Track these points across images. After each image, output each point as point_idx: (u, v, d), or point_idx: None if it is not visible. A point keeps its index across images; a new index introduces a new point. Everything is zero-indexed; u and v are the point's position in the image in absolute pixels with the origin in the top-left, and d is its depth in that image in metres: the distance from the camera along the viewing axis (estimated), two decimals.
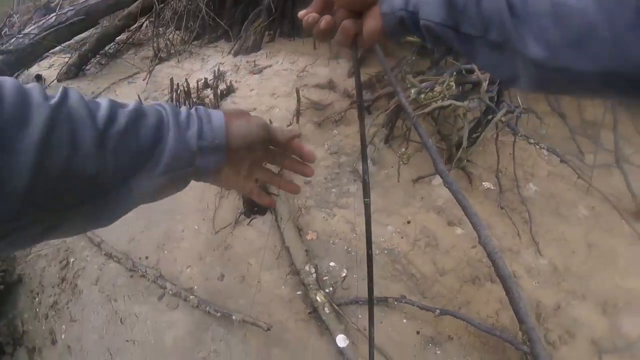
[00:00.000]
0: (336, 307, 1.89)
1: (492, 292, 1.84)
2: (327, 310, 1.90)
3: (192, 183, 0.53)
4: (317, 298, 1.92)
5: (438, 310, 1.72)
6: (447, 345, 1.73)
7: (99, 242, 2.08)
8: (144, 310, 1.90)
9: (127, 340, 1.86)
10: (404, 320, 1.82)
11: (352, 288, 1.97)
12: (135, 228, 2.11)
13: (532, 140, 2.37)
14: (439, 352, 1.72)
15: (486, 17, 0.41)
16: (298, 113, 2.46)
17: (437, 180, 2.32)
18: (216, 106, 2.86)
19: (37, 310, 2.06)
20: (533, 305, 1.78)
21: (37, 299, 2.08)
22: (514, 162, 2.22)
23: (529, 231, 2.05)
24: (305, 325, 1.91)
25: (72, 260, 2.09)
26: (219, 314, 1.83)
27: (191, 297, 1.87)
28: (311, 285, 1.95)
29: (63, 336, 1.96)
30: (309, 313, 1.92)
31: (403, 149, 2.34)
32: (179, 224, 2.09)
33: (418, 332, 1.78)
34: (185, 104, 2.96)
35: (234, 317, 1.81)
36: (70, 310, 1.99)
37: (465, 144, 2.13)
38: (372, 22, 0.53)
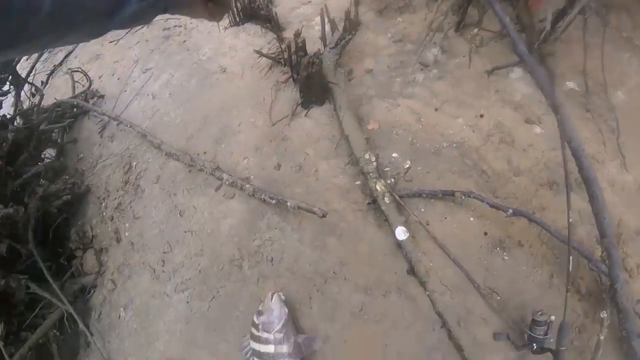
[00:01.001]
0: (397, 198, 1.68)
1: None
2: (387, 200, 1.68)
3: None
4: (377, 187, 1.71)
5: (511, 210, 1.49)
6: (515, 252, 1.51)
7: (158, 143, 2.04)
8: (201, 201, 1.82)
9: (186, 232, 1.79)
10: (471, 219, 1.61)
11: (416, 180, 1.74)
12: (193, 127, 2.03)
13: (625, 34, 1.93)
14: (506, 257, 1.50)
15: None
16: (357, 1, 2.24)
17: (516, 73, 1.98)
18: None
19: (104, 214, 2.08)
20: (613, 224, 1.44)
21: (103, 204, 2.11)
22: (602, 62, 1.79)
23: (616, 141, 1.69)
24: (363, 216, 1.71)
25: (134, 164, 2.08)
26: (274, 201, 1.68)
27: (247, 185, 1.75)
28: (371, 174, 1.73)
29: (126, 234, 1.95)
30: (368, 204, 1.72)
31: (475, 30, 2.02)
32: (235, 119, 1.97)
33: (486, 233, 1.55)
34: None
35: (288, 204, 1.65)
36: (133, 209, 1.97)
37: (547, 34, 1.78)
38: None
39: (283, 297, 1.55)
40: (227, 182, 1.79)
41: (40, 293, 1.95)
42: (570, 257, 1.19)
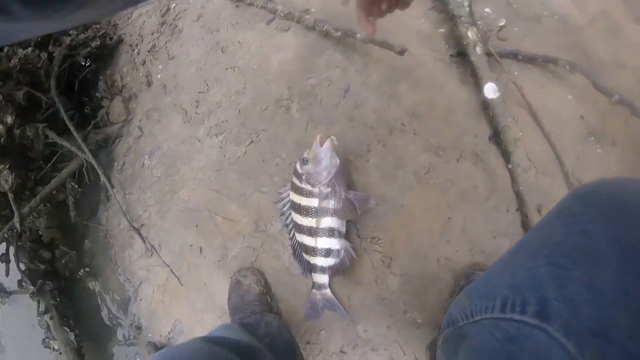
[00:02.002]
0: (492, 50, 1.35)
1: None
2: (478, 50, 1.35)
3: None
4: (469, 34, 1.37)
5: (617, 96, 1.25)
6: (609, 149, 1.29)
7: None
8: (249, 36, 1.52)
9: (227, 68, 1.50)
10: (569, 97, 1.34)
11: (511, 41, 1.41)
12: None
13: None
14: (600, 150, 1.29)
15: None
16: None
17: None
18: None
19: (135, 60, 1.83)
20: None
21: (135, 50, 1.85)
22: None
23: None
24: (444, 68, 1.38)
25: (173, 5, 1.80)
26: (339, 33, 1.36)
27: (306, 17, 1.43)
28: (463, 18, 1.39)
29: (159, 76, 1.69)
30: (451, 56, 1.39)
31: None
32: None
33: (582, 117, 1.32)
34: None
35: (358, 36, 1.33)
36: (168, 50, 1.70)
37: None
38: None
39: (336, 143, 1.26)
40: (281, 15, 1.48)
41: (59, 141, 1.74)
42: None
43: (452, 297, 1.17)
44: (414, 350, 1.18)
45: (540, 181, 1.24)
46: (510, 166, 1.27)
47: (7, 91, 1.74)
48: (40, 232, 1.97)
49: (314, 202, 1.16)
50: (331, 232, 1.17)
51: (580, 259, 0.45)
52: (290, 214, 1.23)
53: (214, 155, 1.43)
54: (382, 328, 1.19)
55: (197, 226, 1.41)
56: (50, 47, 1.90)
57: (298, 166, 1.18)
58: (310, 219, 1.17)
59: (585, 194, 0.51)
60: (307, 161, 1.15)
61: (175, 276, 1.44)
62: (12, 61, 1.74)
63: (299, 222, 1.19)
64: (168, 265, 1.45)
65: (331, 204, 1.15)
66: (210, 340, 0.85)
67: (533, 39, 1.44)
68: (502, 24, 1.47)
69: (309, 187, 1.15)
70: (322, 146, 1.13)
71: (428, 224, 1.23)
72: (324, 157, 1.13)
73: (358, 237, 1.25)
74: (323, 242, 1.18)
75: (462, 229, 1.21)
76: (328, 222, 1.17)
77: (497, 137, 1.30)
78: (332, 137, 1.27)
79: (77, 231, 1.82)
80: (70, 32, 2.04)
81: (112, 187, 1.65)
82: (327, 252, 1.18)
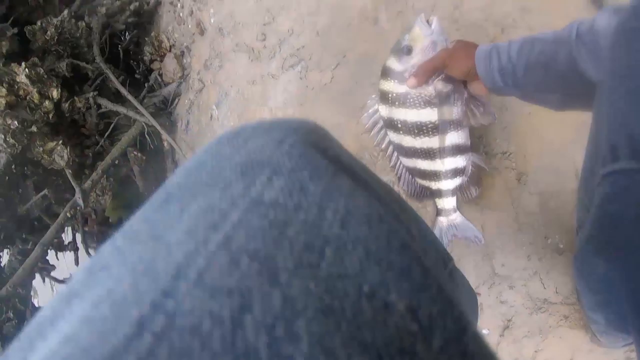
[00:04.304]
0: None
1: None
2: None
3: None
4: None
5: None
6: None
7: None
8: None
9: None
10: None
11: None
12: None
13: None
14: None
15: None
16: None
17: None
18: None
19: (181, 14, 1.68)
20: None
21: (179, 5, 1.70)
22: None
23: None
24: None
25: None
26: None
27: None
28: None
29: (212, 20, 1.53)
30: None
31: None
32: None
33: None
34: None
35: None
36: None
37: None
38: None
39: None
40: None
41: (114, 108, 1.62)
42: None
43: None
44: (555, 282, 0.99)
45: None
46: None
47: (49, 67, 1.62)
48: (106, 214, 1.87)
49: (429, 114, 0.85)
50: (458, 149, 0.90)
51: None
52: (385, 134, 0.94)
53: (294, 89, 1.27)
54: (522, 260, 1.01)
55: None
56: (86, 18, 1.77)
57: (393, 62, 0.85)
58: (427, 138, 0.88)
59: None
60: (409, 50, 0.81)
61: None
62: (47, 32, 1.62)
63: (406, 144, 0.91)
64: None
65: (455, 111, 0.85)
66: None
67: None
68: None
69: (418, 91, 0.84)
70: (431, 24, 0.81)
71: (560, 130, 1.04)
72: (437, 37, 0.80)
73: (485, 154, 1.07)
74: (449, 163, 0.91)
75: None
76: (454, 137, 0.88)
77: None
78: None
79: None
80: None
81: (180, 148, 1.52)
82: (454, 173, 0.93)
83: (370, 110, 0.94)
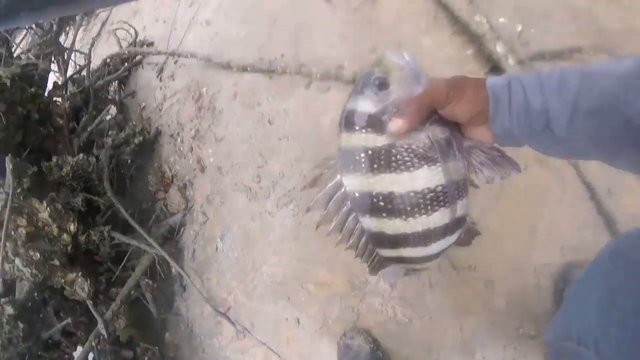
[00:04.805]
0: (523, 58, 1.41)
1: None
2: (511, 62, 1.42)
3: None
4: (497, 48, 1.43)
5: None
6: None
7: (227, 62, 1.81)
8: (292, 104, 1.57)
9: (280, 139, 1.54)
10: None
11: (533, 44, 1.45)
12: (262, 35, 1.77)
13: None
14: None
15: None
16: None
17: None
18: None
19: (181, 148, 1.89)
20: None
21: (178, 139, 1.91)
22: None
23: None
24: None
25: (204, 89, 1.87)
26: None
27: (343, 72, 1.49)
28: (487, 36, 1.46)
29: (211, 159, 1.74)
30: (486, 73, 1.44)
31: None
32: (308, 12, 1.70)
33: None
34: None
35: None
36: (214, 132, 1.75)
37: None
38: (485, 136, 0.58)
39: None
40: (317, 76, 1.53)
41: (126, 241, 1.77)
42: None
43: (555, 301, 1.17)
44: None
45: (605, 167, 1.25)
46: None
47: (64, 200, 1.79)
48: (117, 333, 1.97)
49: (430, 176, 0.56)
50: (459, 223, 0.64)
51: None
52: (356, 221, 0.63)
53: (288, 225, 1.45)
54: (499, 350, 1.19)
55: (289, 298, 1.42)
56: (94, 150, 1.97)
57: (361, 102, 0.57)
58: (425, 217, 0.58)
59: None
60: (383, 83, 0.56)
61: (275, 353, 1.43)
62: (63, 170, 1.80)
63: (392, 231, 0.61)
64: (265, 344, 1.45)
65: (461, 167, 0.58)
66: None
67: (552, 34, 1.49)
68: (519, 29, 1.53)
69: (407, 141, 0.56)
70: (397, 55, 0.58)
71: (515, 237, 1.23)
72: (414, 65, 0.57)
73: (454, 269, 1.26)
74: (447, 241, 0.65)
75: (547, 233, 1.22)
76: (461, 208, 0.62)
77: None
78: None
79: (154, 326, 1.83)
80: (110, 132, 2.13)
81: (187, 276, 1.67)
82: (446, 248, 0.69)
83: (328, 186, 0.62)
